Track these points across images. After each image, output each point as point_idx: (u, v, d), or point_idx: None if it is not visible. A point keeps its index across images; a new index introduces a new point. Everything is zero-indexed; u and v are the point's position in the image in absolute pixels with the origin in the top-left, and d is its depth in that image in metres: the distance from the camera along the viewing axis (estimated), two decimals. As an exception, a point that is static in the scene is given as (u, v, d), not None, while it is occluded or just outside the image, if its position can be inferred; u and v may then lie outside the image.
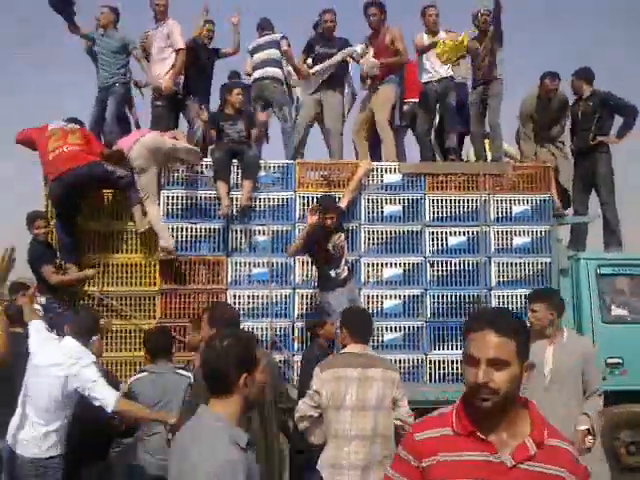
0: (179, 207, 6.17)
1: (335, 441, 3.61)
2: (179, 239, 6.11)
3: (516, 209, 6.49)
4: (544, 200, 6.51)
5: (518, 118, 7.35)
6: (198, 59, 7.04)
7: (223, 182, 6.11)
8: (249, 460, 2.02)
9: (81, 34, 7.11)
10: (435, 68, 6.96)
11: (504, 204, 6.49)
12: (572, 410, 3.97)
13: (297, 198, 6.28)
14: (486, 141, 7.41)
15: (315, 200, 6.20)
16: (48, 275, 5.67)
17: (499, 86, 7.07)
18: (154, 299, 6.04)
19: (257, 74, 7.07)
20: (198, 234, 6.16)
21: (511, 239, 6.43)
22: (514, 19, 10.31)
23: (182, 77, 7.04)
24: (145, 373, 4.14)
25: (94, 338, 3.94)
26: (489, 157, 7.27)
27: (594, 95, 7.14)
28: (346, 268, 5.83)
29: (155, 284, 6.05)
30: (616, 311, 6.42)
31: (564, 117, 7.24)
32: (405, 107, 7.48)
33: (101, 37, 7.05)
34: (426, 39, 7.02)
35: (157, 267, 6.06)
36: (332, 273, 5.73)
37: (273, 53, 7.04)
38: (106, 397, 3.59)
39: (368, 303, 6.14)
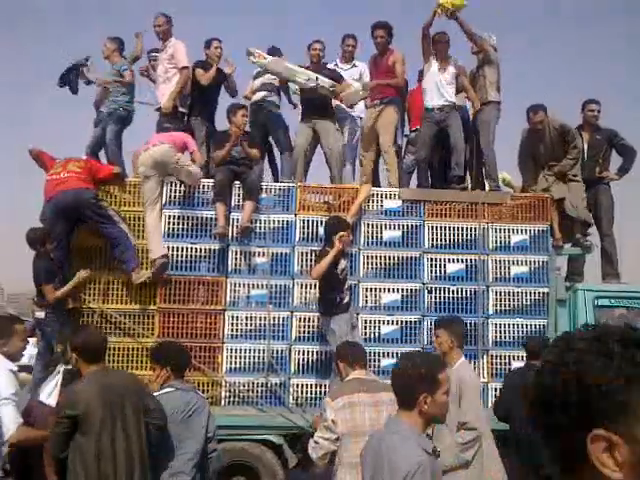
0: (179, 227, 6.21)
1: (349, 468, 3.53)
2: (178, 259, 6.14)
3: (514, 238, 6.53)
4: (542, 230, 6.56)
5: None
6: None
7: (222, 203, 6.14)
8: (432, 463, 2.40)
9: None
10: (439, 95, 6.99)
11: (503, 233, 6.53)
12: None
13: (297, 221, 6.32)
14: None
15: (317, 223, 6.27)
16: (49, 293, 5.70)
17: (492, 110, 7.06)
18: (153, 317, 6.05)
19: (255, 97, 7.20)
20: (197, 254, 6.18)
21: (509, 268, 6.46)
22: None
23: (188, 97, 7.12)
24: (172, 389, 3.90)
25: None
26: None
27: (603, 130, 7.27)
28: (348, 293, 5.85)
29: (154, 302, 6.07)
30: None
31: (570, 147, 7.06)
32: (412, 135, 7.56)
33: (108, 69, 7.14)
34: (434, 66, 7.05)
35: (156, 286, 6.08)
36: (337, 298, 5.72)
37: (271, 78, 7.15)
38: (6, 423, 3.46)
39: (366, 328, 6.16)
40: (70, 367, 3.67)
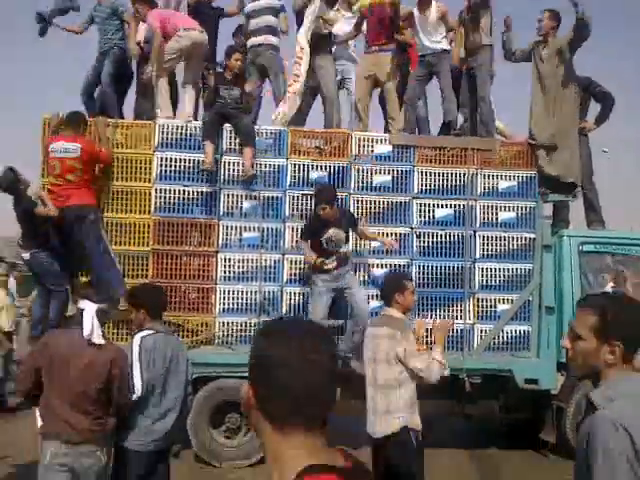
0: (172, 169, 6.26)
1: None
2: (172, 201, 6.21)
3: (502, 184, 6.63)
4: (530, 177, 6.66)
5: None
6: (203, 18, 7.02)
7: (210, 142, 6.17)
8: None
9: (83, 26, 7.24)
10: (429, 41, 6.99)
11: (491, 179, 6.63)
12: None
13: (289, 165, 6.38)
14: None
15: (308, 167, 6.34)
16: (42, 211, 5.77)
17: (485, 54, 7.06)
18: (147, 259, 6.15)
19: (253, 41, 7.09)
20: (191, 197, 6.25)
21: (497, 214, 6.58)
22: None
23: None
24: (151, 331, 3.86)
25: None
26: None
27: (579, 78, 7.25)
28: (336, 260, 5.86)
29: (148, 244, 6.16)
30: (595, 288, 6.62)
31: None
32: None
33: (97, 8, 7.12)
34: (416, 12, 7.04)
35: (150, 228, 6.16)
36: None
37: (269, 20, 7.05)
38: None
39: (356, 271, 6.29)
40: (104, 307, 3.69)
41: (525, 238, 6.57)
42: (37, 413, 3.59)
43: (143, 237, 6.16)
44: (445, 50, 7.03)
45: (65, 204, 5.78)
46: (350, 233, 6.05)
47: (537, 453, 6.68)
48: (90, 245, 5.85)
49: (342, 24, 7.38)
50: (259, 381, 1.24)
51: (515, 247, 6.57)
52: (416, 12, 7.04)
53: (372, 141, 6.57)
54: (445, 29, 7.09)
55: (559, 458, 6.41)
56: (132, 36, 6.96)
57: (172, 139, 6.30)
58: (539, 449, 6.68)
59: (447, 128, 7.07)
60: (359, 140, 6.54)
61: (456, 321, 6.24)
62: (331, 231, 5.76)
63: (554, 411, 6.53)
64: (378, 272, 6.33)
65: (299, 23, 7.11)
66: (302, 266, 6.24)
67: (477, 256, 6.52)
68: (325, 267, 5.79)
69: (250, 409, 1.26)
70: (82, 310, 3.56)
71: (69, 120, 5.95)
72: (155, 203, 6.19)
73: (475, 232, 6.53)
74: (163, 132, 6.28)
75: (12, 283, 10.27)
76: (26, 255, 5.88)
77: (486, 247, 6.53)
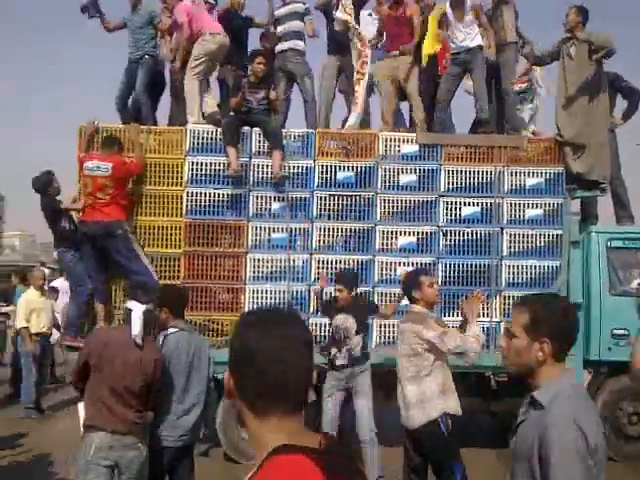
0: (203, 173, 6.42)
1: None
2: (203, 204, 6.38)
3: (530, 181, 6.62)
4: (558, 173, 6.64)
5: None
6: (232, 27, 7.17)
7: (231, 146, 6.32)
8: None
9: (115, 26, 7.37)
10: (463, 38, 6.98)
11: (518, 176, 6.62)
12: None
13: (316, 167, 6.49)
14: None
15: (335, 169, 6.44)
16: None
17: (511, 52, 7.08)
18: (178, 260, 6.35)
19: (280, 46, 7.22)
20: (221, 199, 6.41)
21: (524, 211, 6.58)
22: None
23: None
24: (175, 329, 4.08)
25: None
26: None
27: (606, 73, 7.19)
28: (346, 359, 5.55)
29: (180, 246, 6.36)
30: (624, 283, 6.61)
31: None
32: None
33: (130, 16, 7.28)
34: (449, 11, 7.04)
35: (182, 230, 6.35)
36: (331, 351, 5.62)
37: (295, 25, 7.17)
38: None
39: (382, 270, 6.39)
40: (150, 307, 3.90)
41: (552, 235, 6.56)
42: (80, 408, 3.81)
43: (175, 239, 6.35)
44: (479, 46, 6.98)
45: (94, 219, 6.03)
46: (373, 324, 6.14)
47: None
48: (122, 255, 6.07)
49: (367, 24, 7.41)
50: (238, 370, 1.30)
51: (542, 244, 6.55)
52: (449, 10, 7.04)
53: (399, 141, 6.63)
54: (478, 25, 7.04)
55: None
56: (166, 46, 7.16)
57: (202, 143, 6.46)
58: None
59: (479, 125, 7.06)
60: (386, 140, 6.61)
61: (483, 319, 6.28)
62: (339, 317, 5.53)
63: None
64: (403, 270, 6.41)
65: (328, 19, 7.19)
66: (330, 266, 6.37)
67: (504, 253, 6.53)
68: (336, 362, 5.54)
69: (232, 397, 1.32)
70: (130, 310, 3.77)
71: (104, 143, 6.18)
72: (187, 206, 6.37)
73: (502, 229, 6.54)
74: (194, 137, 6.45)
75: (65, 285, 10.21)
76: (54, 253, 6.27)
77: (513, 244, 6.54)
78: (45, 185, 6.37)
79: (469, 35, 6.93)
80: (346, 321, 5.49)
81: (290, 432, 1.27)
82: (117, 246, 6.04)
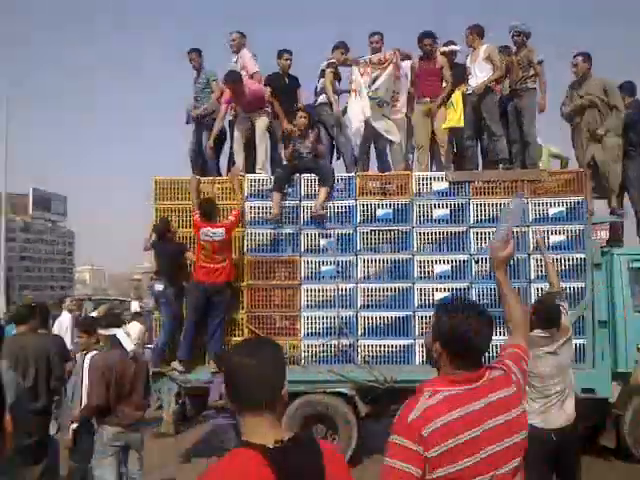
0: (260, 216, 7.39)
1: None
2: (261, 242, 7.35)
3: (552, 210, 7.28)
4: (578, 202, 7.28)
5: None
6: (282, 85, 8.19)
7: (277, 193, 7.25)
8: None
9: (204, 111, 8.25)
10: (474, 79, 7.75)
11: (542, 206, 7.30)
12: None
13: (358, 205, 7.36)
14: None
15: (375, 206, 7.31)
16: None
17: (531, 97, 7.76)
18: (242, 292, 7.30)
19: (321, 98, 8.23)
20: (276, 238, 7.36)
21: (548, 237, 7.21)
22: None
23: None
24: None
25: None
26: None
27: (635, 102, 7.85)
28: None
29: (243, 280, 7.32)
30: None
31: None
32: None
33: (196, 80, 8.36)
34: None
35: (244, 266, 7.32)
36: None
37: (322, 81, 8.23)
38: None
39: (422, 295, 7.14)
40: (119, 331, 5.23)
41: (576, 258, 7.14)
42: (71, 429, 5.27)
43: (239, 274, 7.31)
44: (488, 87, 7.68)
45: (213, 280, 6.97)
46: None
47: (594, 457, 7.12)
48: (213, 315, 7.05)
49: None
50: (226, 382, 1.74)
51: (567, 267, 7.15)
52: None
53: (431, 179, 7.44)
54: (491, 67, 7.73)
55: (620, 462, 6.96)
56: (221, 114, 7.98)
57: (259, 190, 7.46)
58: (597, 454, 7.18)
59: (495, 163, 7.78)
60: (419, 179, 7.43)
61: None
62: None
63: (613, 418, 7.09)
64: (440, 295, 7.14)
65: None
66: (374, 293, 7.18)
67: (532, 277, 7.17)
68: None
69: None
70: (114, 335, 5.08)
71: (205, 211, 7.11)
72: (247, 245, 7.36)
73: (529, 255, 7.19)
74: (251, 185, 7.47)
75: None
76: (160, 286, 7.19)
77: (540, 268, 7.13)
78: (163, 228, 7.29)
79: (479, 77, 7.66)
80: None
81: (261, 429, 1.65)
82: (217, 306, 7.03)
